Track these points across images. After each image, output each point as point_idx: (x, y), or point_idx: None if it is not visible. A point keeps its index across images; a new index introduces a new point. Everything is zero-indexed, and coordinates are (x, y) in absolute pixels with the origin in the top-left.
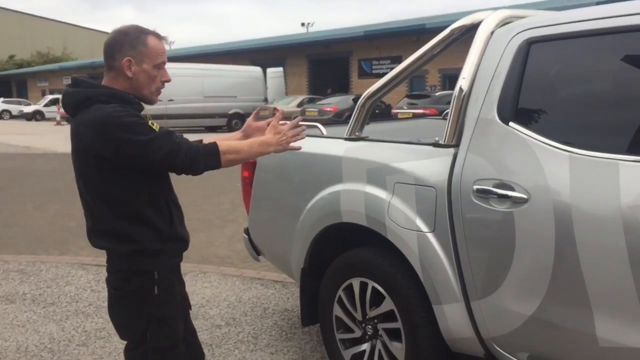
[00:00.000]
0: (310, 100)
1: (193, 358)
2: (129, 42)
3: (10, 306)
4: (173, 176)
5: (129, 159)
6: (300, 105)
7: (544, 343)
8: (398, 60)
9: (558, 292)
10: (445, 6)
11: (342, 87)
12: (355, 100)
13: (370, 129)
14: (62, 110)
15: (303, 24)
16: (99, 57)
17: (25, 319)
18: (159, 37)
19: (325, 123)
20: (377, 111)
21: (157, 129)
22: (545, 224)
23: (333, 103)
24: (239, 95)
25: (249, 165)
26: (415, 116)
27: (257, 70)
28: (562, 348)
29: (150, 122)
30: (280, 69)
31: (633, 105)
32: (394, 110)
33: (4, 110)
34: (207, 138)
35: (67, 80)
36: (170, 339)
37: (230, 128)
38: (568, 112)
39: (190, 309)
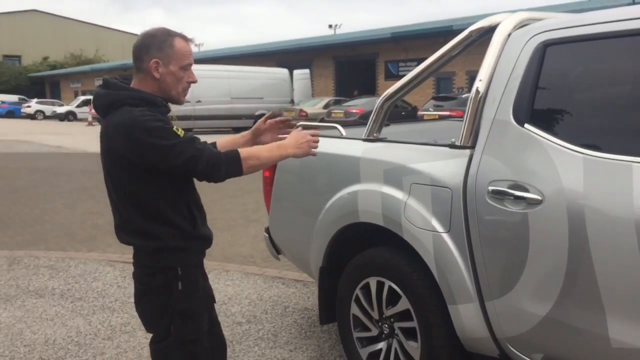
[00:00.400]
0: (337, 102)
1: (216, 349)
2: (156, 44)
3: (40, 300)
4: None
5: (152, 163)
6: (326, 106)
7: (557, 343)
8: None
9: (571, 292)
10: (472, 8)
11: (369, 89)
12: None
13: (392, 130)
14: (93, 111)
15: (330, 26)
16: (130, 59)
17: (54, 312)
18: (185, 39)
19: (349, 124)
20: (403, 113)
21: (181, 135)
22: (559, 225)
23: (359, 105)
24: (266, 96)
25: (270, 165)
26: (442, 118)
27: (283, 72)
28: (575, 349)
29: (175, 128)
30: (307, 70)
31: None
32: (420, 112)
33: (37, 111)
34: (210, 138)
35: (99, 82)
36: (194, 333)
37: None
38: (583, 115)
39: (215, 302)
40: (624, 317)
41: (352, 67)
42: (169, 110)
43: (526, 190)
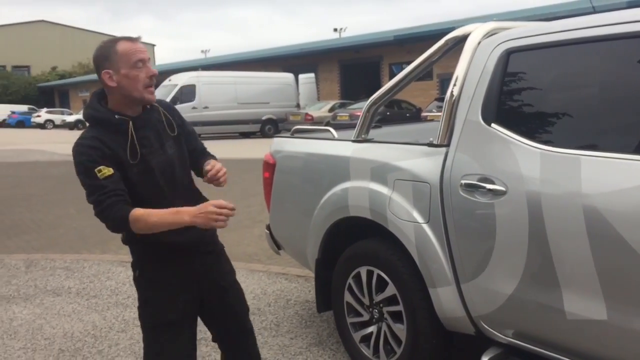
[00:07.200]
0: (342, 105)
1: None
2: (102, 57)
3: (57, 299)
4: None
5: None
6: (331, 110)
7: (523, 319)
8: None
9: (532, 272)
10: (470, 8)
11: (374, 92)
12: (385, 105)
13: (382, 131)
14: None
15: (335, 29)
16: None
17: (70, 309)
18: (130, 39)
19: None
20: (407, 115)
21: (100, 176)
22: (520, 212)
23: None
24: (272, 101)
25: (269, 166)
26: None
27: (289, 76)
28: (537, 323)
29: (97, 169)
30: (312, 74)
31: (595, 108)
32: (423, 114)
33: (47, 120)
34: (217, 144)
35: None
36: (150, 320)
37: (263, 134)
38: (540, 114)
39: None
40: (576, 291)
41: (356, 70)
42: (123, 129)
43: (492, 183)
